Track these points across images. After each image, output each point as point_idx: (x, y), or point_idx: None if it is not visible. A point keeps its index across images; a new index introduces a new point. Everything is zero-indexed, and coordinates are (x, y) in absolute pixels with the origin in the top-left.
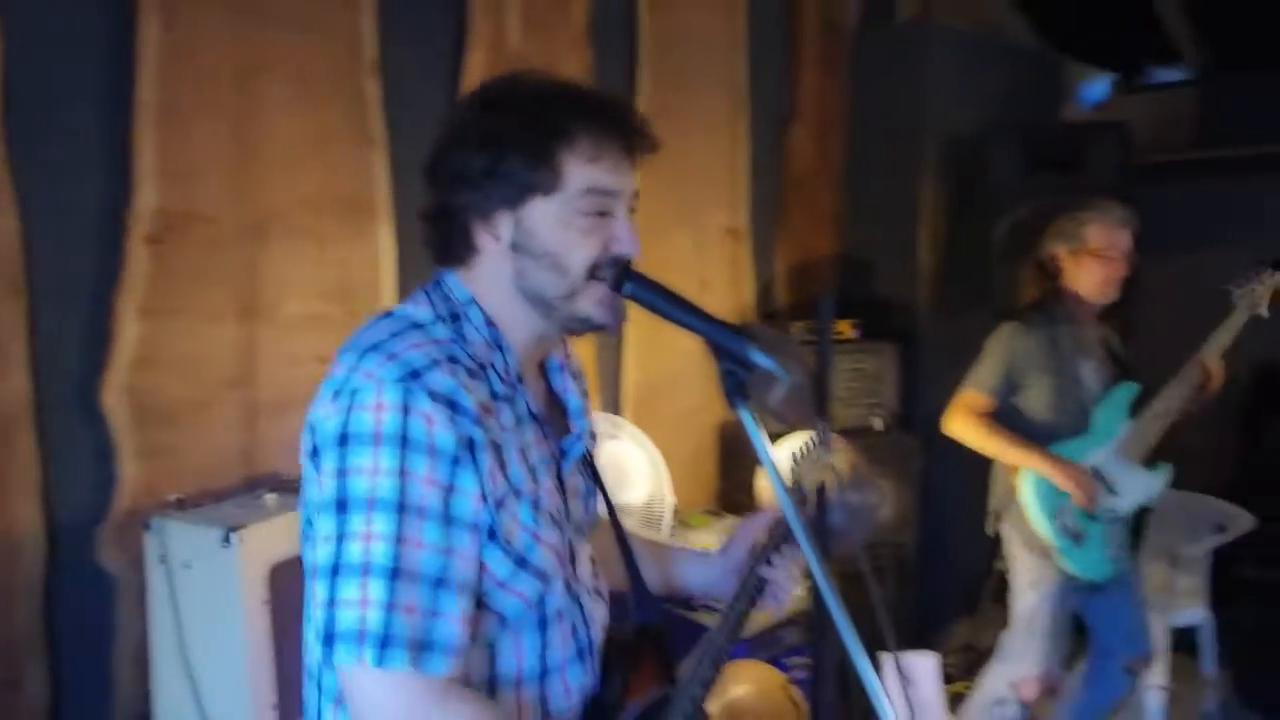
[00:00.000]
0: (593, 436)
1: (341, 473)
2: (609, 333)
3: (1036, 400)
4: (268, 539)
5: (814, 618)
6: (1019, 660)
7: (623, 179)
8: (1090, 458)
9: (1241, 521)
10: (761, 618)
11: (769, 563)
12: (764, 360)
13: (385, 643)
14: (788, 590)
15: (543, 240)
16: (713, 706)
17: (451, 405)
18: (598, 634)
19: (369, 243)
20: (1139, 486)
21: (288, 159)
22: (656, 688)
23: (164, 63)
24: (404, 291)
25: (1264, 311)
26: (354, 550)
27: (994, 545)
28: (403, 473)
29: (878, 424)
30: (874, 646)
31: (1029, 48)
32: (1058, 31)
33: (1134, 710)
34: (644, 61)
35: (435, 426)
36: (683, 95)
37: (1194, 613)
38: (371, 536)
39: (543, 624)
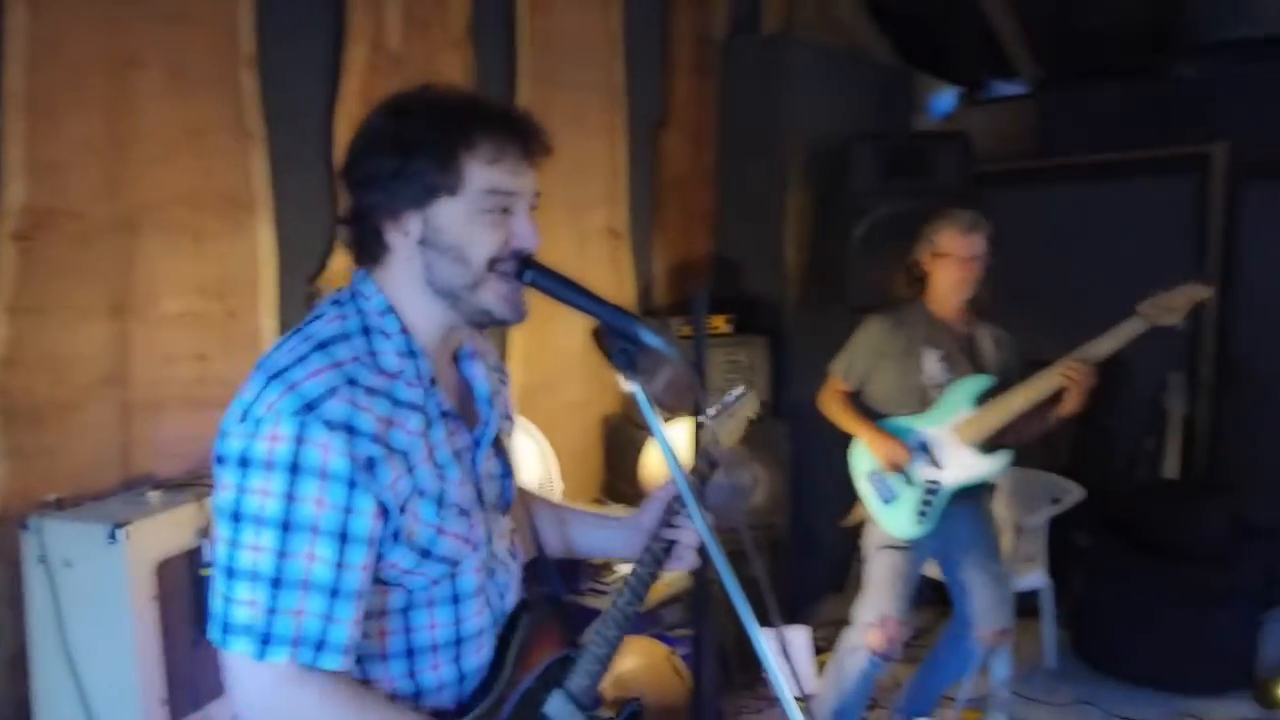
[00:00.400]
0: (508, 419)
1: (240, 489)
2: (510, 324)
3: (881, 384)
4: (153, 535)
5: (696, 591)
6: (865, 612)
7: (522, 180)
8: (921, 433)
9: (1073, 494)
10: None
11: (675, 525)
12: (653, 339)
13: (267, 640)
14: (692, 553)
15: (448, 236)
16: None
17: (349, 430)
18: (512, 602)
19: (247, 238)
20: (964, 465)
21: (162, 153)
22: (558, 649)
23: (32, 53)
24: (284, 288)
25: (1175, 321)
26: (244, 558)
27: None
28: (290, 496)
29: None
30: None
31: (885, 62)
32: (909, 48)
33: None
34: (523, 61)
35: (330, 454)
36: (562, 95)
37: (1035, 577)
38: (259, 549)
39: (455, 599)
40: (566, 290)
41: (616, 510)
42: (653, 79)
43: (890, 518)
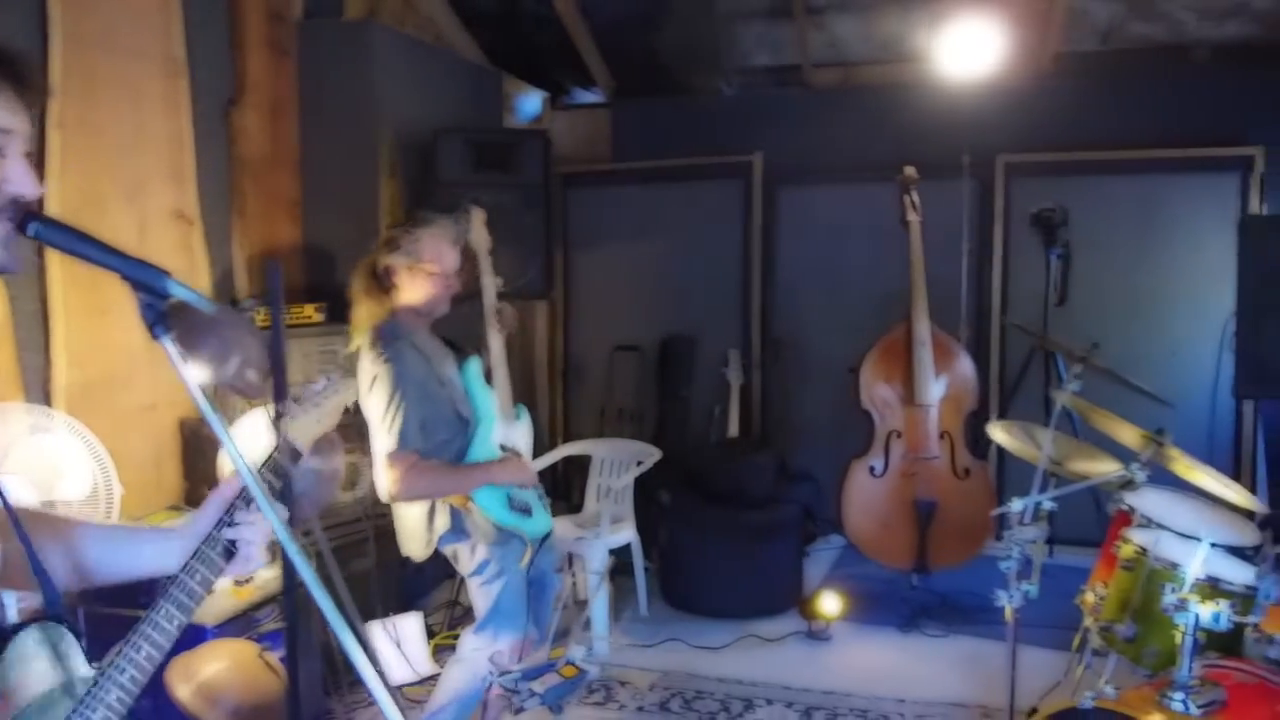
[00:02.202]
0: None
1: None
2: (7, 273)
3: (444, 422)
4: None
5: (287, 588)
6: (495, 641)
7: (15, 119)
8: (498, 440)
9: (653, 456)
10: (237, 598)
11: (233, 524)
12: (181, 290)
13: None
14: (259, 550)
15: None
16: (184, 691)
17: None
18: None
19: None
20: (523, 436)
21: None
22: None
23: None
24: None
25: (485, 240)
26: None
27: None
28: None
29: (352, 403)
30: (366, 615)
31: (475, 62)
32: (498, 52)
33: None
34: (56, 22)
35: None
36: (110, 61)
37: (625, 534)
38: None
39: None
40: (80, 244)
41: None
42: (221, 53)
43: (535, 523)
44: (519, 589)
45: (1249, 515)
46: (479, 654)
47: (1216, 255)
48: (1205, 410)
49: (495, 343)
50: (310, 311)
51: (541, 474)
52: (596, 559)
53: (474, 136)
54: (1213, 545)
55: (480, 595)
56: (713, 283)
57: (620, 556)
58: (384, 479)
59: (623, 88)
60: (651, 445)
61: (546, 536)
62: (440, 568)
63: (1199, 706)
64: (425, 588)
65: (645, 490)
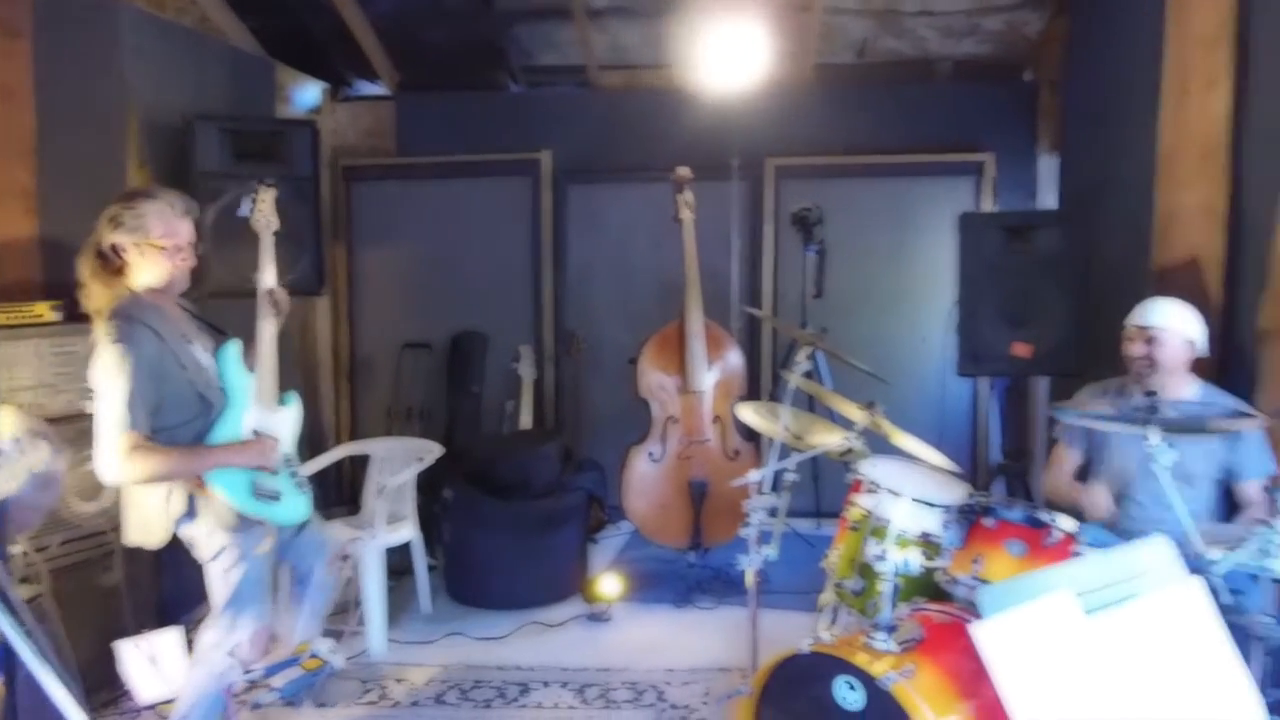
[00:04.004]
0: None
1: None
2: None
3: (182, 404)
4: None
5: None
6: (233, 631)
7: None
8: (246, 423)
9: (434, 452)
10: None
11: None
12: None
13: None
14: None
15: None
16: None
17: None
18: None
19: None
20: (286, 423)
21: None
22: None
23: None
24: None
25: (277, 224)
26: None
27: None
28: None
29: (90, 408)
30: (117, 632)
31: (246, 49)
32: (270, 39)
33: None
34: None
35: None
36: None
37: (404, 532)
38: None
39: None
40: None
41: None
42: None
43: (286, 511)
44: (259, 577)
45: (971, 480)
46: (218, 649)
47: (953, 251)
48: (943, 387)
49: (266, 327)
50: (43, 310)
51: (323, 476)
52: (372, 558)
53: (233, 125)
54: (933, 505)
55: (218, 583)
56: (504, 278)
57: (403, 556)
58: (105, 461)
59: (407, 80)
60: (435, 442)
61: (304, 526)
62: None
63: (899, 644)
64: (189, 601)
65: (431, 488)
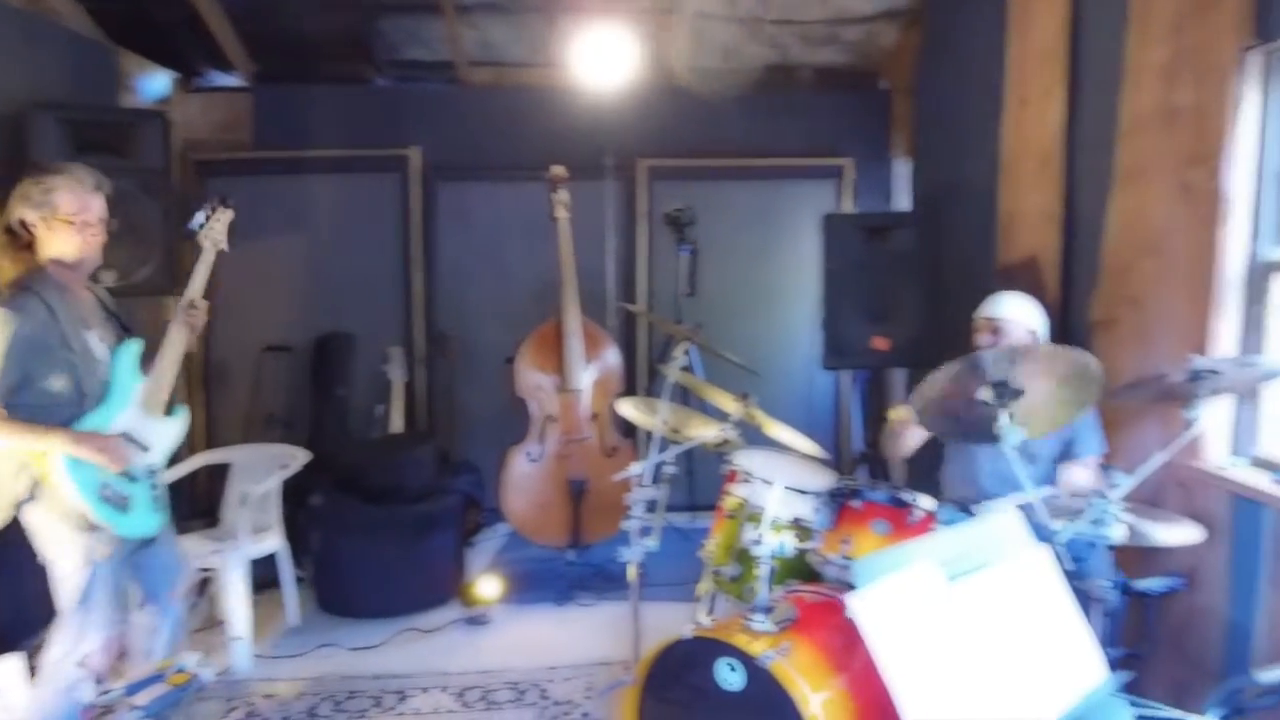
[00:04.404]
0: None
1: None
2: None
3: (55, 384)
4: None
5: None
6: (81, 638)
7: None
8: (117, 423)
9: (299, 459)
10: None
11: None
12: None
13: None
14: None
15: None
16: None
17: None
18: None
19: None
20: (165, 435)
21: None
22: None
23: None
24: None
25: (225, 245)
26: None
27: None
28: None
29: None
30: None
31: (86, 34)
32: (112, 23)
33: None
34: None
35: None
36: None
37: (269, 543)
38: None
39: None
40: None
41: None
42: None
43: (133, 522)
44: (108, 583)
45: (836, 468)
46: (66, 660)
47: (817, 250)
48: (809, 381)
49: (176, 336)
50: None
51: (178, 487)
52: (234, 571)
53: (73, 115)
54: (804, 492)
55: (64, 586)
56: (371, 278)
57: (269, 568)
58: None
59: (264, 71)
60: (302, 448)
61: (154, 545)
62: (48, 599)
63: (775, 623)
64: (29, 627)
65: (297, 496)
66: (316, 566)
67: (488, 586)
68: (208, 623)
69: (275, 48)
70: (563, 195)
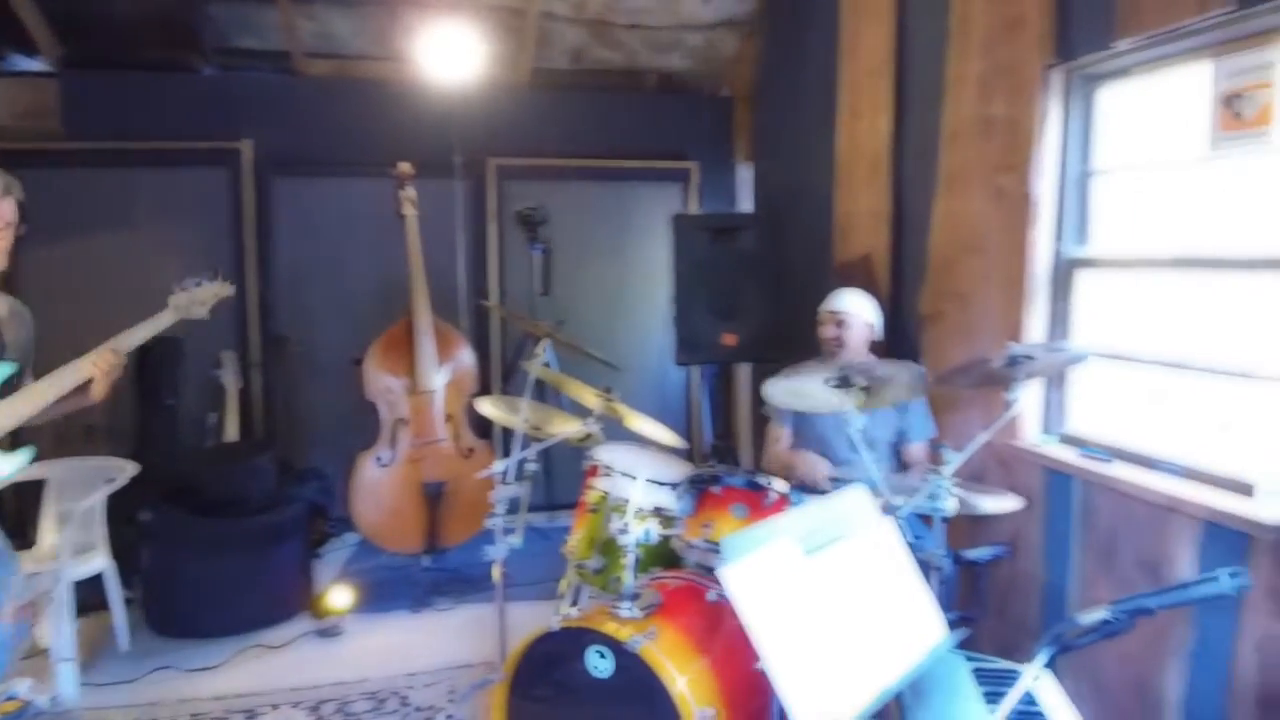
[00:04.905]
0: None
1: None
2: None
3: None
4: None
5: None
6: None
7: None
8: None
9: (126, 472)
10: None
11: None
12: None
13: None
14: None
15: None
16: None
17: None
18: None
19: None
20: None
21: None
22: None
23: None
24: None
25: (204, 314)
26: None
27: None
28: None
29: None
30: None
31: None
32: None
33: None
34: None
35: None
36: None
37: (95, 563)
38: None
39: None
40: None
41: None
42: None
43: None
44: None
45: (690, 457)
46: None
47: (667, 250)
48: (662, 377)
49: (64, 374)
50: None
51: None
52: (57, 594)
53: None
54: (661, 483)
55: None
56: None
57: (94, 590)
58: None
59: (74, 56)
60: (129, 460)
61: None
62: None
63: (641, 609)
64: None
65: (124, 512)
66: (147, 586)
67: (339, 597)
68: (29, 651)
69: (87, 31)
70: (410, 192)
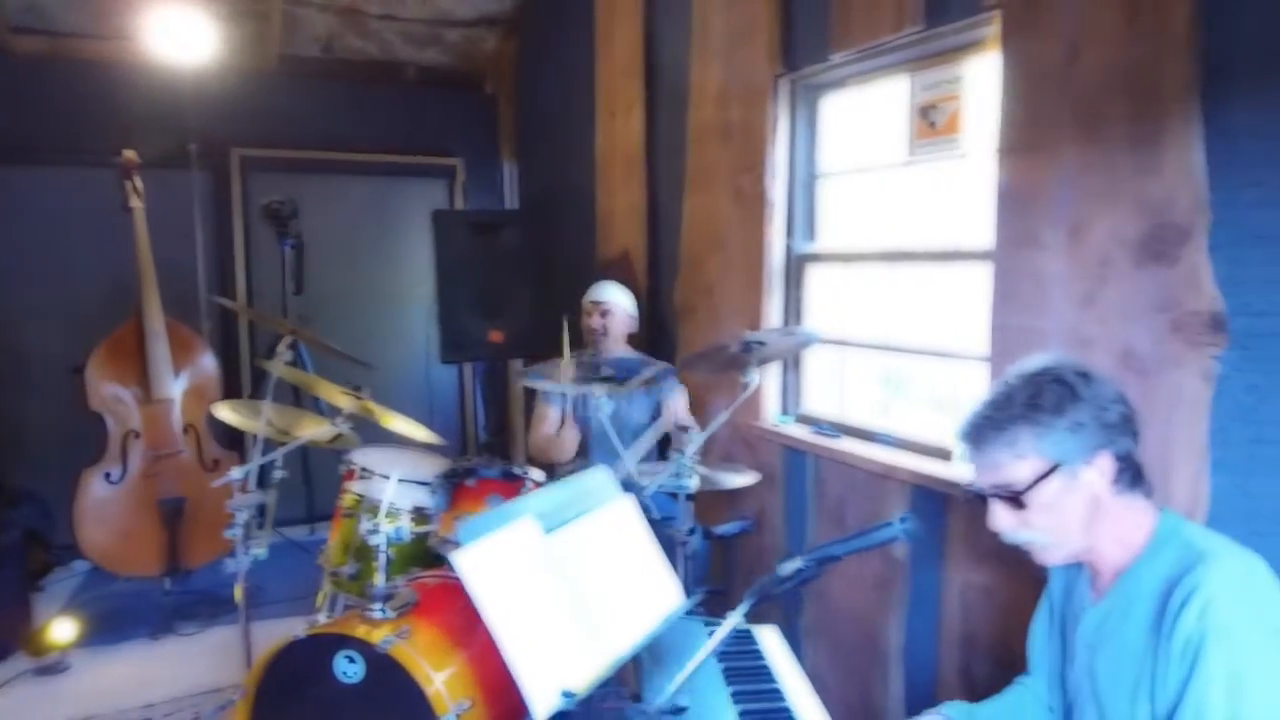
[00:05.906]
0: None
1: None
2: None
3: None
4: None
5: None
6: None
7: None
8: None
9: None
10: None
11: None
12: None
13: None
14: None
15: None
16: None
17: None
18: None
19: None
20: None
21: None
22: None
23: None
24: None
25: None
26: None
27: None
28: None
29: None
30: None
31: None
32: None
33: None
34: None
35: None
36: None
37: None
38: None
39: None
40: None
41: None
42: None
43: None
44: None
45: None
46: None
47: (431, 247)
48: (429, 375)
49: None
50: None
51: None
52: None
53: None
54: (416, 482)
55: None
56: None
57: None
58: None
59: None
60: None
61: None
62: None
63: (394, 610)
64: None
65: None
66: None
67: (62, 630)
68: None
69: None
70: (137, 183)
